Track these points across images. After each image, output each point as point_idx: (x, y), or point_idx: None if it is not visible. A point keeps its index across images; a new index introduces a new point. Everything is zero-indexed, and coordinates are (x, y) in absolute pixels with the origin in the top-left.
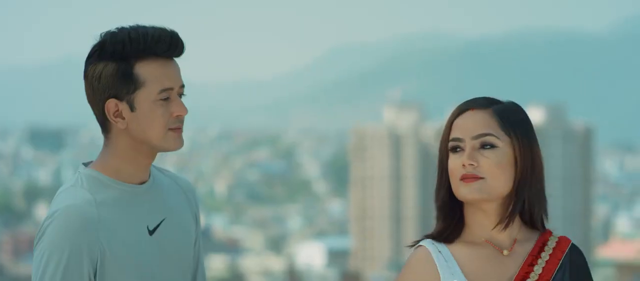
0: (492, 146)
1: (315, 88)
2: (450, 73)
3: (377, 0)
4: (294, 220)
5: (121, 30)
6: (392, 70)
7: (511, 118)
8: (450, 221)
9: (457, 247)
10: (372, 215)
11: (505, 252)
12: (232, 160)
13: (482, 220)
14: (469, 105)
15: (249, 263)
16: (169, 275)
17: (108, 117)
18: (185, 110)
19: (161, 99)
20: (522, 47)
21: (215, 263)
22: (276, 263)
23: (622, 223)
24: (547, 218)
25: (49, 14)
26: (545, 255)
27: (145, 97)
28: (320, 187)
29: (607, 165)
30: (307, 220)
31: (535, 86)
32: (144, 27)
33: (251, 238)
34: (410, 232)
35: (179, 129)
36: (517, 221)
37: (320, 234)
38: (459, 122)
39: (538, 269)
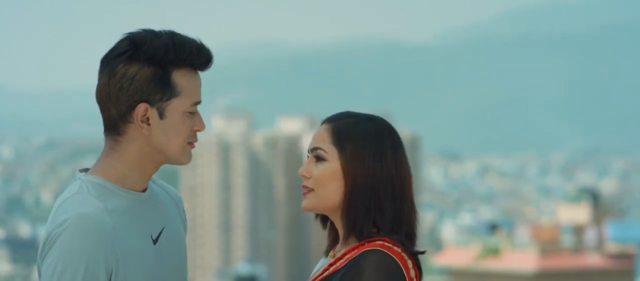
0: (322, 159)
1: None
2: (279, 82)
3: (205, 7)
4: None
5: (158, 34)
6: (222, 78)
7: (344, 133)
8: (330, 233)
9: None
10: (201, 224)
11: (328, 257)
12: (58, 169)
13: (339, 231)
14: (324, 120)
15: None
16: None
17: (135, 120)
18: (205, 127)
19: (190, 112)
20: (349, 55)
21: None
22: None
23: (448, 231)
24: (377, 229)
25: None
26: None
27: (178, 107)
28: None
29: (433, 173)
30: None
31: (363, 94)
32: (182, 35)
33: None
34: (240, 241)
35: (192, 144)
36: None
37: None
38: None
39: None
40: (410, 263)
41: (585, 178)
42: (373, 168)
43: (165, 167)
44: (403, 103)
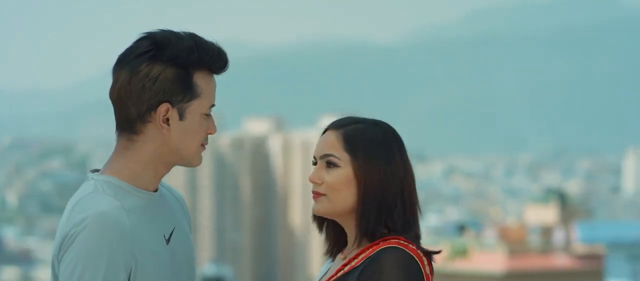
0: (335, 165)
1: (108, 98)
2: (245, 83)
3: (171, 8)
4: None
5: (180, 35)
6: None
7: (355, 139)
8: (328, 235)
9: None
10: None
11: (337, 259)
12: (24, 170)
13: (349, 234)
14: (328, 126)
15: (42, 275)
16: None
17: (155, 120)
18: (216, 130)
19: (206, 114)
20: (315, 56)
21: (8, 275)
22: None
23: None
24: (391, 229)
25: None
26: (354, 261)
27: (198, 108)
28: None
29: None
30: None
31: (329, 95)
32: (202, 38)
33: (44, 249)
34: (206, 242)
35: (204, 146)
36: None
37: None
38: (319, 140)
39: (331, 271)
40: (425, 260)
41: (551, 179)
42: (384, 172)
43: None
44: (369, 104)
